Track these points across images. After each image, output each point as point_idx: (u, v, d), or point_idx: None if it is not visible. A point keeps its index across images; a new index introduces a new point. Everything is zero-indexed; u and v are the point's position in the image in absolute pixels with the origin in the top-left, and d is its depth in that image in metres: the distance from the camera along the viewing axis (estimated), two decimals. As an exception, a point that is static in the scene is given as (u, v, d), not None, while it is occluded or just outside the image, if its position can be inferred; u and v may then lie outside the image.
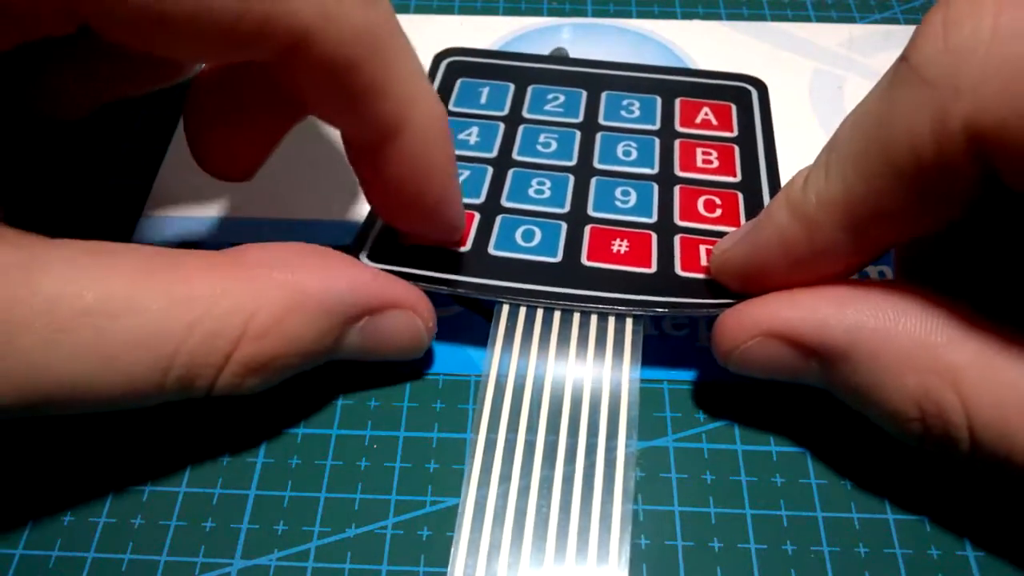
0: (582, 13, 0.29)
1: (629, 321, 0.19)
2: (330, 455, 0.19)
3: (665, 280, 0.20)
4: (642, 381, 0.20)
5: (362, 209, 0.23)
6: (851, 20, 0.30)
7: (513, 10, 0.30)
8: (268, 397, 0.20)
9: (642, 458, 0.19)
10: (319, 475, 0.19)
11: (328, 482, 0.18)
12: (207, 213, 0.23)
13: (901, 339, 0.16)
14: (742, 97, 0.26)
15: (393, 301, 0.19)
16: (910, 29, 0.23)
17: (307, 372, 0.20)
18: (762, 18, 0.30)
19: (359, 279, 0.18)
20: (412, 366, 0.20)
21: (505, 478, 0.18)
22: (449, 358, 0.21)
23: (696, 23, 0.29)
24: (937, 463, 0.19)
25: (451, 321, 0.21)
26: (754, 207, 0.22)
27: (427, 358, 0.21)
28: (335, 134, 0.25)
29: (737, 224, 0.22)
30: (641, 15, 0.29)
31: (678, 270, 0.20)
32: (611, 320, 0.19)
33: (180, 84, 0.27)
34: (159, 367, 0.16)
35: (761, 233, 0.18)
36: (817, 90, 0.27)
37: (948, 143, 0.14)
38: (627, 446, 0.18)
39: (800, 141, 0.25)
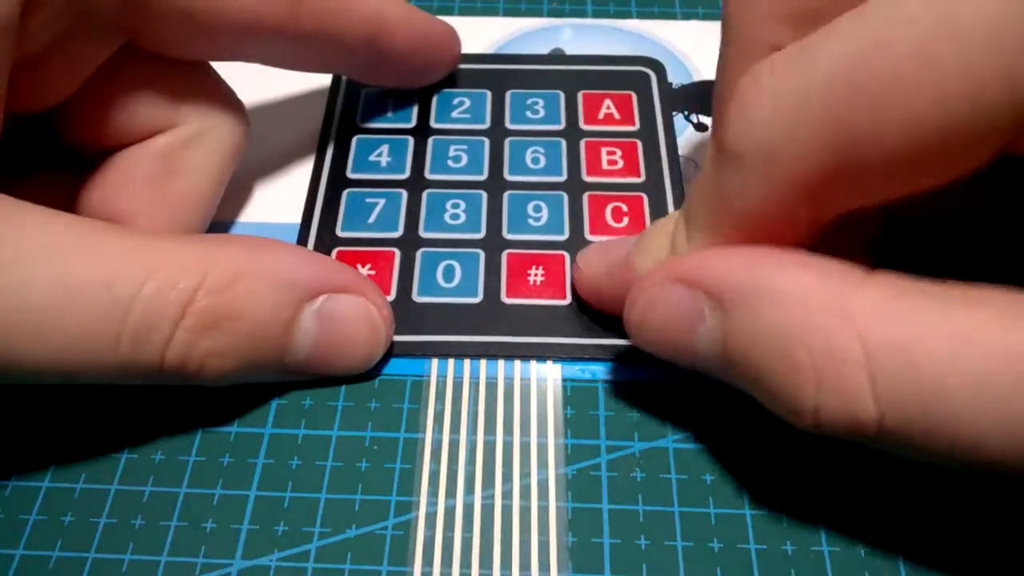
0: (582, 14, 0.29)
1: (550, 363, 0.21)
2: (330, 456, 0.19)
3: (580, 315, 0.21)
4: (643, 381, 0.20)
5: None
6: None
7: (513, 11, 0.30)
8: (268, 398, 0.20)
9: (642, 459, 0.19)
10: (319, 476, 0.19)
11: (328, 483, 0.18)
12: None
13: (802, 279, 0.15)
14: (641, 83, 0.27)
15: (344, 284, 0.19)
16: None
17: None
18: (762, 18, 0.29)
19: (310, 256, 0.19)
20: (413, 366, 0.20)
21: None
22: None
23: (696, 23, 0.29)
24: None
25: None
26: (658, 207, 0.23)
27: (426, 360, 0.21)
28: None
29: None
30: (641, 15, 0.29)
31: None
32: (533, 362, 0.20)
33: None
34: (114, 312, 0.16)
35: (614, 278, 0.19)
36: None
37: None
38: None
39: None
